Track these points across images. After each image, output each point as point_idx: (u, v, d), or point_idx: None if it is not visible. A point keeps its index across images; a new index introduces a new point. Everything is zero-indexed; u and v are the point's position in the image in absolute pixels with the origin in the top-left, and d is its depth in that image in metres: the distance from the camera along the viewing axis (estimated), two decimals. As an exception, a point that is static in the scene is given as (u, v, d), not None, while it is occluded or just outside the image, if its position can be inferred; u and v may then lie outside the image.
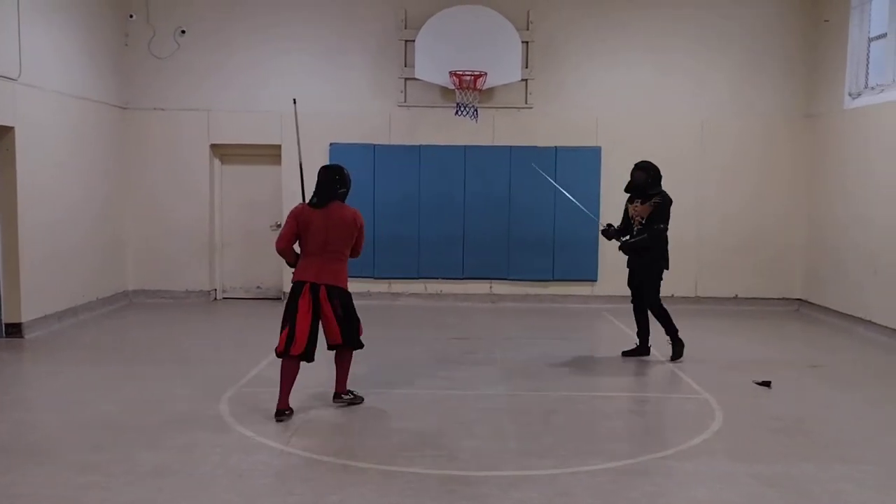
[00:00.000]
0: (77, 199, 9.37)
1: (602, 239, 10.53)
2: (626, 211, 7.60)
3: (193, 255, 10.90)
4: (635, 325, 7.63)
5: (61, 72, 9.02)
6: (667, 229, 7.28)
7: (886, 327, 8.73)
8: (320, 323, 5.56)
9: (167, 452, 4.83)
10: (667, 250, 7.39)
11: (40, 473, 4.50)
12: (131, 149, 10.71)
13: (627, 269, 7.59)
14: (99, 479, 4.38)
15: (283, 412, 5.48)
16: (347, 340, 5.66)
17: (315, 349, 5.55)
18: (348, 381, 5.87)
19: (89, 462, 4.65)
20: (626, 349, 7.74)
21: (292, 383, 5.52)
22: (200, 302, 10.82)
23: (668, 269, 7.46)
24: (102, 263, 10.05)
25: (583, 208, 8.14)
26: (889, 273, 8.72)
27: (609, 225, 7.65)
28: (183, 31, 10.63)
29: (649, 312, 7.49)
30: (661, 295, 7.42)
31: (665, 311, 7.38)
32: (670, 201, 7.32)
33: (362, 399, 5.94)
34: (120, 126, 10.54)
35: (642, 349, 7.65)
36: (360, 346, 5.78)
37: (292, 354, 5.44)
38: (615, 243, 7.63)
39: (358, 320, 5.72)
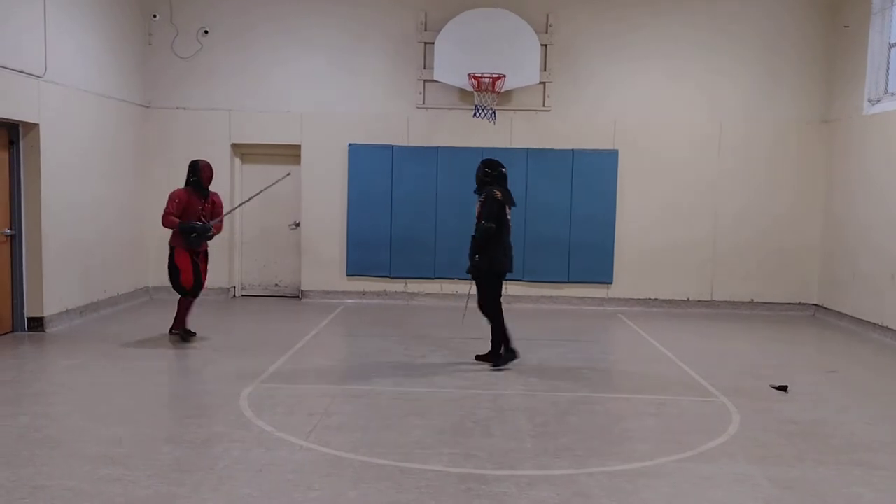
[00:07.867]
0: (99, 195, 9.49)
1: (618, 242, 10.68)
2: None
3: (213, 252, 10.91)
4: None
5: (85, 70, 9.14)
6: (493, 227, 6.92)
7: (904, 334, 8.70)
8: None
9: (187, 446, 4.89)
10: (504, 249, 7.09)
11: (61, 466, 4.56)
12: (154, 147, 10.84)
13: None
14: (120, 473, 4.44)
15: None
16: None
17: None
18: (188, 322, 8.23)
19: (110, 455, 4.71)
20: (479, 353, 7.46)
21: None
22: (219, 299, 10.92)
23: (511, 270, 7.20)
24: (124, 259, 10.17)
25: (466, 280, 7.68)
26: (908, 280, 8.68)
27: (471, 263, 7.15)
28: (206, 32, 10.74)
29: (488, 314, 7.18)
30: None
31: (498, 315, 7.09)
32: (494, 197, 6.96)
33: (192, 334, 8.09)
34: (142, 124, 10.67)
35: (495, 354, 7.25)
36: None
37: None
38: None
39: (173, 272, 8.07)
